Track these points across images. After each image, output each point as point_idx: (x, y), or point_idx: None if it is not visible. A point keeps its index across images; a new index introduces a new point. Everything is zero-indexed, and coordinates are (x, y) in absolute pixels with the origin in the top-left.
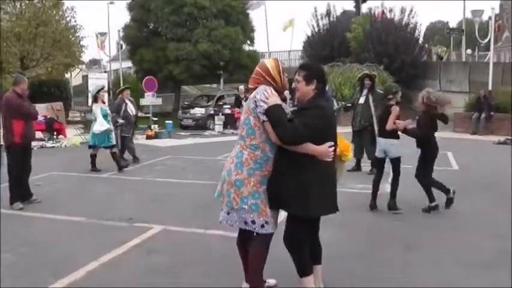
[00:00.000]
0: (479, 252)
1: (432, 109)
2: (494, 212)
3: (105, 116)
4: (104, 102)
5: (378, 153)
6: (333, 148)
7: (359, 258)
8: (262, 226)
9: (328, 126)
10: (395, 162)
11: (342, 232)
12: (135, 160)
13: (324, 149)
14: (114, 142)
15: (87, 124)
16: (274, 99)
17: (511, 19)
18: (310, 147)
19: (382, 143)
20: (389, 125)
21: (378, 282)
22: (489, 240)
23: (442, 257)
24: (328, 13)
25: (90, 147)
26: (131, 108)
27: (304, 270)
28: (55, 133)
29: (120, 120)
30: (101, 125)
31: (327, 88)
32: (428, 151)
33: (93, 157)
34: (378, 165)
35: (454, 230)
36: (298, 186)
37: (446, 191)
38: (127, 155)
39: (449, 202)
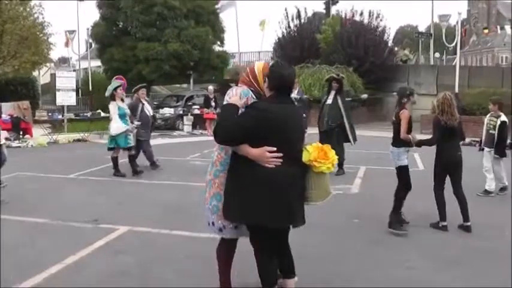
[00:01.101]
0: (445, 248)
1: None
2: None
3: (122, 116)
4: (122, 100)
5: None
6: (273, 154)
7: (333, 259)
8: (220, 230)
9: (267, 129)
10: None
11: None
12: (152, 166)
13: (259, 153)
14: (132, 143)
15: (54, 123)
16: (235, 99)
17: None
18: (245, 149)
19: (395, 152)
20: (403, 134)
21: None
22: (454, 236)
23: (409, 254)
24: (299, 14)
25: (109, 149)
26: (148, 109)
27: (261, 278)
28: (21, 133)
29: (137, 122)
30: (117, 126)
31: (296, 89)
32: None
33: (115, 160)
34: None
35: (418, 228)
36: (229, 188)
37: (441, 217)
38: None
39: (435, 226)
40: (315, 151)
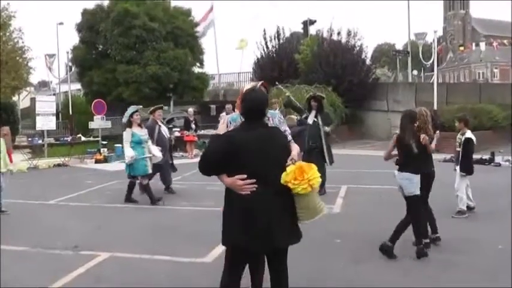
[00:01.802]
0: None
1: None
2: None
3: (138, 143)
4: (140, 126)
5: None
6: (245, 182)
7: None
8: None
9: (235, 156)
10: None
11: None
12: (167, 190)
13: (231, 182)
14: (150, 171)
15: (34, 148)
16: (221, 127)
17: None
18: (221, 178)
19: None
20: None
21: None
22: (434, 253)
23: (391, 273)
24: (278, 35)
25: (129, 176)
26: (165, 131)
27: None
28: None
29: (157, 153)
30: (126, 154)
31: (276, 111)
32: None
33: (131, 187)
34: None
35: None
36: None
37: (424, 234)
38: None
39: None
40: (290, 173)
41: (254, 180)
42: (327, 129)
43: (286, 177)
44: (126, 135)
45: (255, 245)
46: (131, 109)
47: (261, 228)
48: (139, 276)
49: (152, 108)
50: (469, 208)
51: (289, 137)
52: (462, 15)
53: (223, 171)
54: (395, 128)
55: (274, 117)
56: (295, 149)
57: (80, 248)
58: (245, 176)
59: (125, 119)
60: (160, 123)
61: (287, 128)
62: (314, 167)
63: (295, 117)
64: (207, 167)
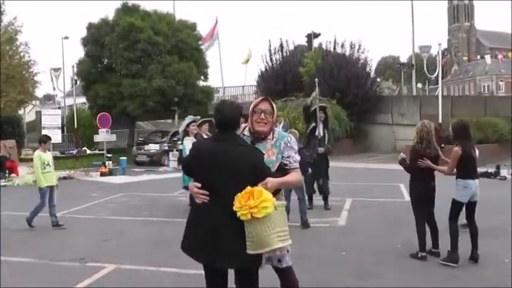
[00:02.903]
0: (429, 277)
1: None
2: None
3: None
4: (195, 137)
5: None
6: (198, 190)
7: None
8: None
9: (196, 166)
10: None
11: None
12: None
13: (190, 187)
14: None
15: None
16: None
17: None
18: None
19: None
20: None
21: None
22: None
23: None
24: (281, 48)
25: (184, 187)
26: None
27: None
28: (7, 171)
29: None
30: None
31: (281, 124)
32: None
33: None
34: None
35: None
36: None
37: (421, 246)
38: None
39: (415, 256)
40: (238, 198)
41: (207, 192)
42: (321, 149)
43: (236, 199)
44: (188, 143)
45: (196, 255)
46: (188, 119)
47: (199, 240)
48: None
49: (199, 121)
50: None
51: (294, 164)
52: (467, 28)
53: (193, 176)
54: (399, 141)
55: (282, 139)
56: (287, 177)
57: (86, 260)
58: (199, 184)
59: (182, 128)
60: (205, 137)
61: (292, 154)
62: (267, 196)
63: (297, 131)
64: (183, 170)
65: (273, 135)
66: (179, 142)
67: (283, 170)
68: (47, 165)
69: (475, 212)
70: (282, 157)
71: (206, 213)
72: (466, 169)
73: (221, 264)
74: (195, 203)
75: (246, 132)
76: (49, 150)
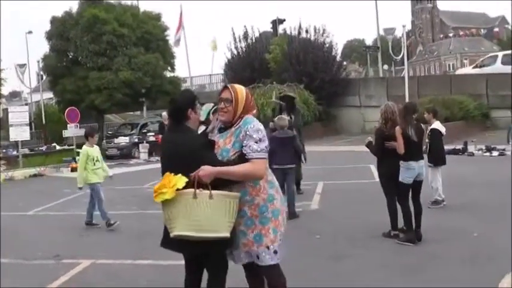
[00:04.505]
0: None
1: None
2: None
3: None
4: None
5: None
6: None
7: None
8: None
9: (162, 154)
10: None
11: None
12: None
13: None
14: None
15: (9, 160)
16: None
17: None
18: None
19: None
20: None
21: None
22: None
23: (370, 266)
24: (246, 35)
25: None
26: None
27: None
28: None
29: None
30: None
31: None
32: None
33: None
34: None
35: (377, 239)
36: None
37: (392, 226)
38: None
39: (387, 235)
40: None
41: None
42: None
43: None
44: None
45: (164, 241)
46: (208, 106)
47: (166, 232)
48: (123, 281)
49: (213, 107)
50: (435, 202)
51: (251, 154)
52: (429, 9)
53: None
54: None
55: (243, 127)
56: (232, 167)
57: (61, 257)
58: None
59: (203, 117)
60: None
61: (250, 143)
62: (171, 183)
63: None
64: None
65: (238, 123)
66: (149, 133)
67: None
68: (96, 161)
69: (420, 191)
70: (242, 146)
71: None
72: (407, 151)
73: (184, 251)
74: None
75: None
76: (96, 144)
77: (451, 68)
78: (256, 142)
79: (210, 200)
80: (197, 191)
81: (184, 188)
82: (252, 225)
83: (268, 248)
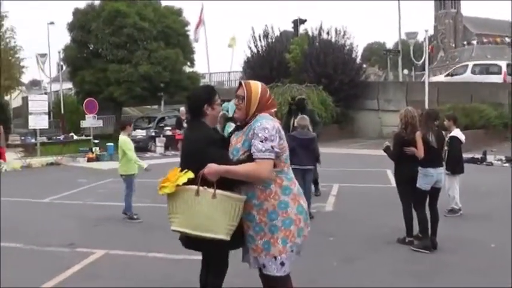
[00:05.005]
0: (415, 263)
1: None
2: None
3: None
4: None
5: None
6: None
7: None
8: None
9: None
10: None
11: None
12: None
13: None
14: None
15: (27, 147)
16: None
17: None
18: None
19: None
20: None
21: None
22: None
23: (382, 270)
24: (266, 34)
25: None
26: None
27: None
28: None
29: None
30: None
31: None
32: None
33: None
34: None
35: (392, 244)
36: None
37: (408, 231)
38: None
39: (402, 241)
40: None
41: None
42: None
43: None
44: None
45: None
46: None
47: None
48: (135, 273)
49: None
50: (451, 211)
51: (255, 154)
52: (453, 14)
53: None
54: (386, 127)
55: (253, 126)
56: (237, 166)
57: (75, 246)
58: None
59: (231, 114)
60: None
61: (256, 142)
62: (174, 178)
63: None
64: None
65: (251, 122)
66: (166, 127)
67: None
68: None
69: (437, 199)
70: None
71: None
72: (426, 158)
73: (183, 244)
74: None
75: None
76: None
77: None
78: (261, 141)
79: (212, 199)
80: (201, 188)
81: (192, 184)
82: (261, 231)
83: (275, 258)
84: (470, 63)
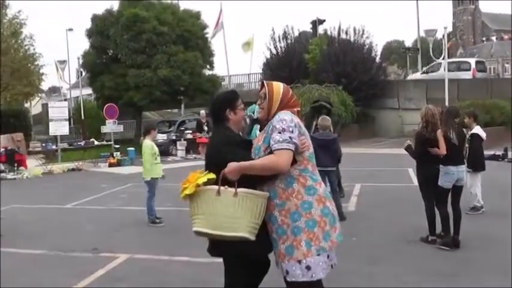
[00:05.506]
0: (439, 261)
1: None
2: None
3: None
4: None
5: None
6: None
7: None
8: None
9: None
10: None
11: None
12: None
13: None
14: None
15: (48, 154)
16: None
17: None
18: None
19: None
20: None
21: None
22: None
23: (406, 270)
24: (286, 35)
25: None
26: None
27: None
28: (16, 165)
29: None
30: None
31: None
32: None
33: None
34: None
35: (415, 243)
36: None
37: (430, 231)
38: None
39: (425, 240)
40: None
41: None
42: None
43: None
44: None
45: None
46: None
47: None
48: (158, 277)
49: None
50: (473, 208)
51: (273, 146)
52: (471, 10)
53: None
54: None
55: (272, 121)
56: (254, 161)
57: (99, 250)
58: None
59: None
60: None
61: (274, 135)
62: (195, 179)
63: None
64: None
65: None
66: (186, 131)
67: None
68: (157, 155)
69: (460, 196)
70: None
71: None
72: (446, 155)
73: (208, 249)
74: None
75: None
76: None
77: (492, 72)
78: (279, 132)
79: (233, 198)
80: (222, 188)
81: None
82: (284, 234)
83: (299, 262)
84: (444, 61)
